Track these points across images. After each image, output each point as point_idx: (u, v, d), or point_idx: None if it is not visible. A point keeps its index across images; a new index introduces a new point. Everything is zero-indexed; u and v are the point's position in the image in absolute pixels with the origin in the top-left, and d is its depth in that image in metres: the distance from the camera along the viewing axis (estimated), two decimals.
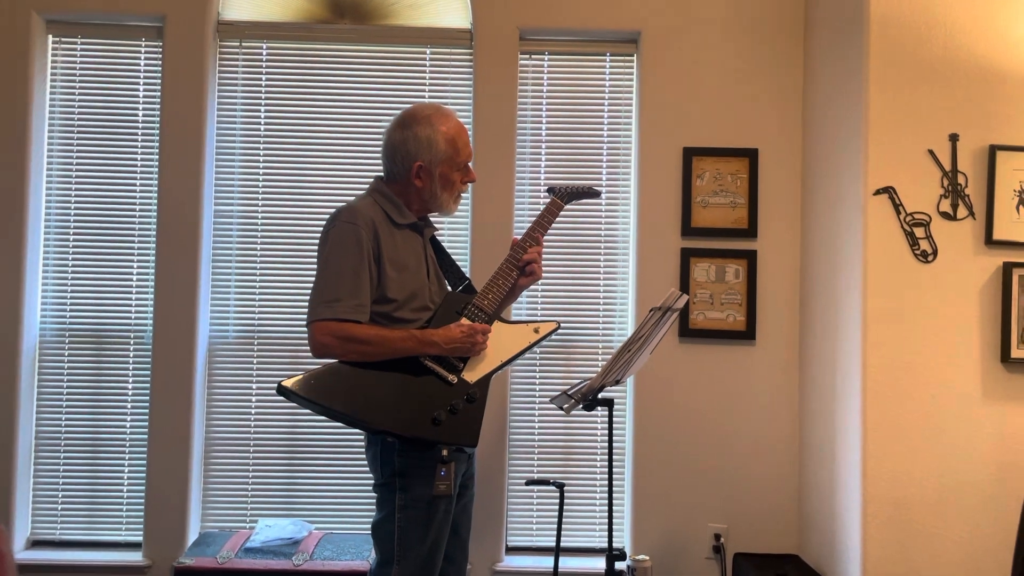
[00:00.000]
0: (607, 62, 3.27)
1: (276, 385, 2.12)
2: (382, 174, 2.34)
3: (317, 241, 2.24)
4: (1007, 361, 2.62)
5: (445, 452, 2.11)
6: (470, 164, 2.34)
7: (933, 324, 2.63)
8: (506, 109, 3.17)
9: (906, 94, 2.65)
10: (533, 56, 3.26)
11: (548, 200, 2.42)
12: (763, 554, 3.08)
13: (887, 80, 2.66)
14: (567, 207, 2.44)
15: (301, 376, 2.14)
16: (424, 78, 3.25)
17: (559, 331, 2.38)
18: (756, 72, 3.19)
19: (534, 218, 2.38)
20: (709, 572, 3.10)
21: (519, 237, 2.40)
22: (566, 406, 2.41)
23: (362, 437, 2.29)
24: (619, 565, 2.41)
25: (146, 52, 3.22)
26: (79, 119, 3.21)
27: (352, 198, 2.29)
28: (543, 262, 2.40)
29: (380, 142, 3.11)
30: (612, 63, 3.27)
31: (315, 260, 2.22)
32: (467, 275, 2.47)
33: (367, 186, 2.34)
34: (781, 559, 3.04)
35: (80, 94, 3.21)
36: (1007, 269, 2.62)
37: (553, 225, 2.41)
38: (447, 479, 2.09)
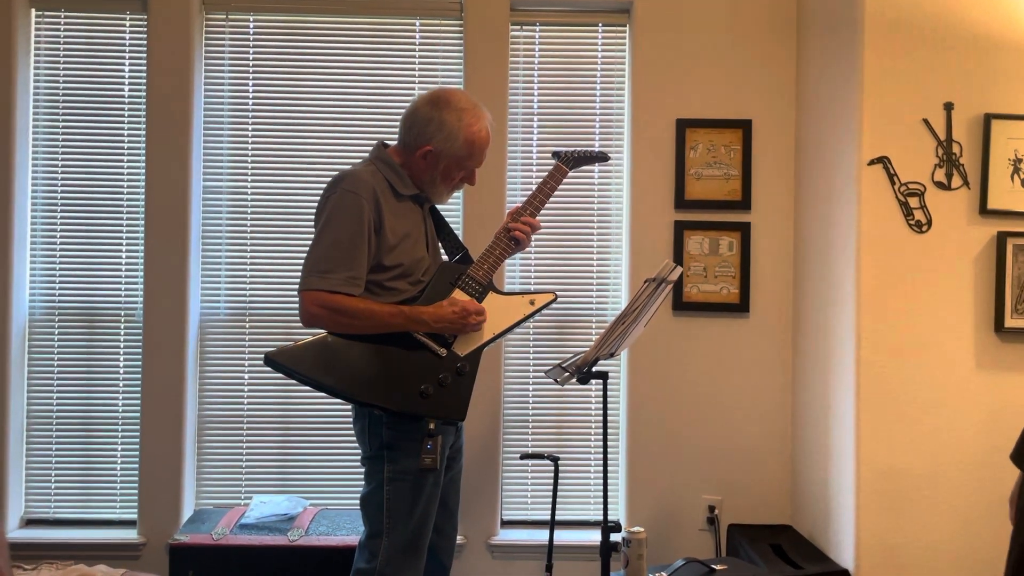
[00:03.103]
0: (599, 33, 3.23)
1: (263, 357, 2.11)
2: (383, 141, 2.31)
3: (308, 215, 2.22)
4: (1001, 331, 2.62)
5: (432, 425, 2.10)
6: (476, 170, 2.32)
7: (927, 294, 2.63)
8: (497, 81, 3.14)
9: (901, 63, 2.63)
10: (524, 27, 3.21)
11: (552, 165, 2.36)
12: (757, 525, 3.10)
13: (882, 49, 2.63)
14: (571, 173, 2.39)
15: (289, 347, 2.13)
16: (414, 50, 3.21)
17: (553, 305, 2.35)
18: (749, 42, 3.16)
19: (533, 187, 2.35)
20: (703, 543, 3.12)
21: (519, 204, 2.37)
22: (561, 378, 2.41)
23: None
24: (614, 537, 2.41)
25: (131, 25, 3.16)
26: (64, 94, 3.16)
27: (344, 166, 2.25)
28: (541, 230, 2.38)
29: (370, 115, 3.17)
30: (604, 34, 3.23)
31: (306, 233, 2.19)
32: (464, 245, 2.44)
33: (358, 157, 2.31)
34: (775, 530, 3.06)
35: (65, 69, 3.16)
36: (1001, 239, 2.61)
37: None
38: (433, 452, 2.08)
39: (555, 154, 2.39)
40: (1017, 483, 1.97)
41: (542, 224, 2.38)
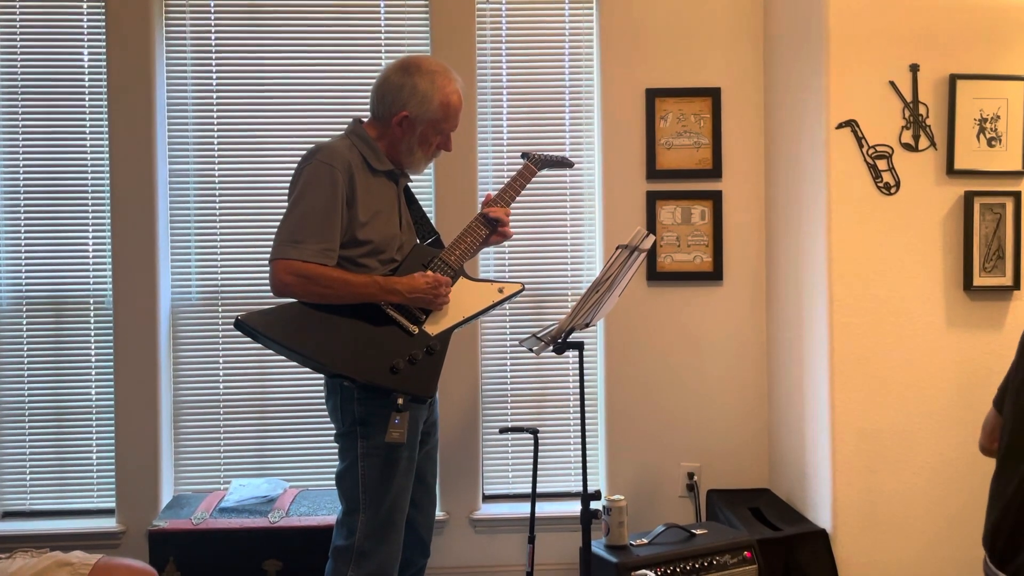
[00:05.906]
0: (566, 4, 3.21)
1: (234, 320, 2.09)
2: (359, 118, 2.30)
3: (278, 196, 2.21)
4: (969, 289, 2.65)
5: (400, 401, 2.10)
6: (451, 134, 2.32)
7: (897, 255, 2.66)
8: (465, 57, 3.11)
9: (866, 25, 2.64)
10: (491, 1, 3.18)
11: (522, 164, 2.43)
12: (736, 489, 3.13)
13: (847, 11, 2.64)
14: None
15: (260, 311, 2.11)
16: (379, 27, 3.17)
17: (529, 279, 2.39)
18: (716, 9, 3.15)
19: (500, 172, 2.36)
20: (683, 509, 3.14)
21: (493, 193, 2.39)
22: (536, 348, 2.41)
23: None
24: (594, 505, 2.43)
25: (89, 8, 3.09)
26: (23, 81, 3.09)
27: (311, 145, 2.23)
28: (514, 205, 2.43)
29: (337, 95, 3.13)
30: (571, 5, 3.21)
31: (277, 214, 2.17)
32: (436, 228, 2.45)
33: (325, 137, 2.29)
34: (753, 493, 3.09)
35: (22, 54, 3.09)
36: (968, 198, 2.64)
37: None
38: (400, 427, 2.08)
39: (525, 155, 2.46)
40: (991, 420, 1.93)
41: (515, 205, 2.45)
